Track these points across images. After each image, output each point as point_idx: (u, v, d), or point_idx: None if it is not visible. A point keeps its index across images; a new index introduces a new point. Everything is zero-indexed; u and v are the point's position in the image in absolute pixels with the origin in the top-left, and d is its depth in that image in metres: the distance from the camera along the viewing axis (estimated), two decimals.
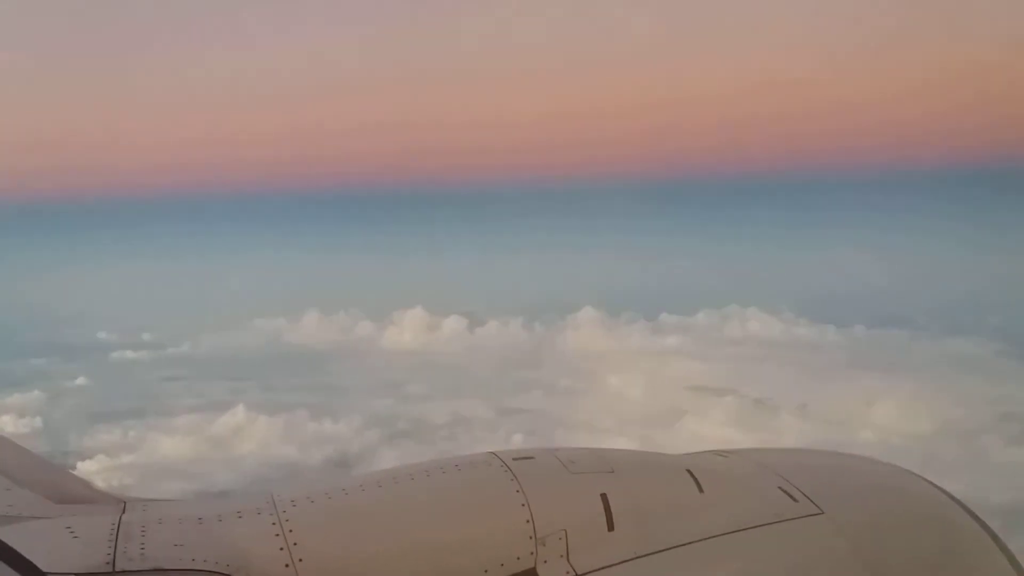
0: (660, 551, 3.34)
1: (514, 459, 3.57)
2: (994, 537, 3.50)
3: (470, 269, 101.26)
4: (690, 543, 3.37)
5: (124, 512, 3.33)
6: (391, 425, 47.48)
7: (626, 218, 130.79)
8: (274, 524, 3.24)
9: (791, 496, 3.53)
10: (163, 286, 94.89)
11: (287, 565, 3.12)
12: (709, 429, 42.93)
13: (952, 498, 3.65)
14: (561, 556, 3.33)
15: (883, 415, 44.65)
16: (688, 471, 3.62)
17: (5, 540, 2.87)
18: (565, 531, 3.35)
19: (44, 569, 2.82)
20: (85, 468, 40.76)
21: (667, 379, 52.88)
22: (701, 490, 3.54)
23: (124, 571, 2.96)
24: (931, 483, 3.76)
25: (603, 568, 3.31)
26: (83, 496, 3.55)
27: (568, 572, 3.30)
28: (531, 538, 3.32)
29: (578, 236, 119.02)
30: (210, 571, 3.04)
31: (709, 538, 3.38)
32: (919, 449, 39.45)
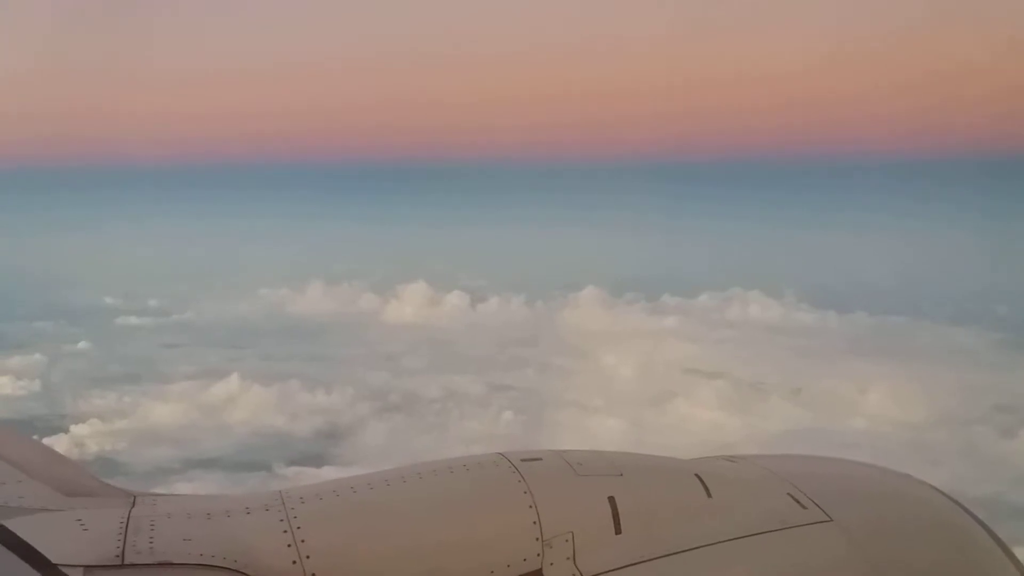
0: (667, 555, 3.34)
1: (522, 460, 3.57)
2: (1003, 547, 3.50)
3: (478, 245, 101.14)
4: (697, 548, 3.37)
5: (133, 506, 3.34)
6: (383, 398, 47.71)
7: (638, 198, 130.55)
8: (282, 521, 3.25)
9: (800, 503, 3.53)
10: (173, 253, 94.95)
11: (294, 561, 3.14)
12: (699, 411, 43.16)
13: (962, 507, 3.66)
14: (568, 558, 3.33)
15: (876, 403, 44.73)
16: (696, 476, 3.61)
17: (16, 532, 2.88)
18: (572, 533, 3.35)
19: (54, 561, 2.83)
20: (78, 432, 41.03)
21: (662, 360, 52.93)
22: (709, 495, 3.54)
23: (133, 564, 2.97)
24: (941, 492, 3.76)
25: (609, 571, 3.31)
26: (93, 489, 3.56)
27: (574, 574, 3.31)
28: (538, 539, 3.33)
29: (589, 215, 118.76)
30: (218, 566, 3.05)
31: (716, 543, 3.38)
32: (909, 438, 39.52)
